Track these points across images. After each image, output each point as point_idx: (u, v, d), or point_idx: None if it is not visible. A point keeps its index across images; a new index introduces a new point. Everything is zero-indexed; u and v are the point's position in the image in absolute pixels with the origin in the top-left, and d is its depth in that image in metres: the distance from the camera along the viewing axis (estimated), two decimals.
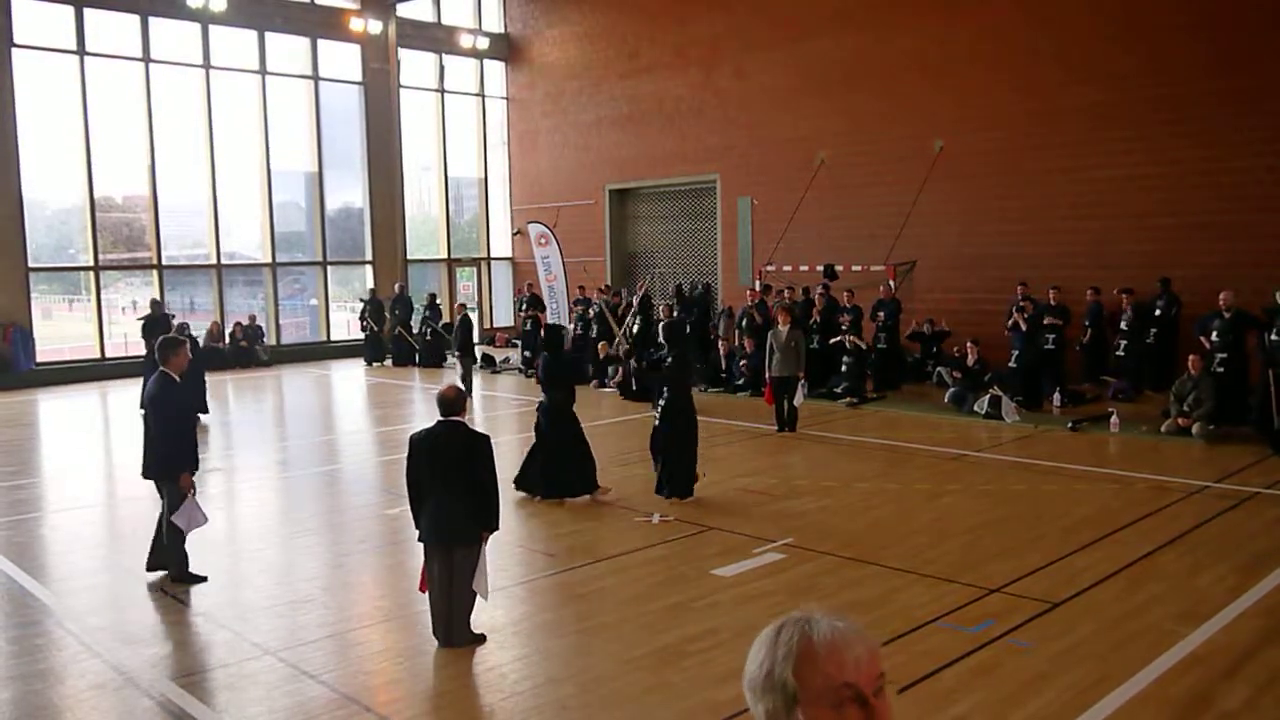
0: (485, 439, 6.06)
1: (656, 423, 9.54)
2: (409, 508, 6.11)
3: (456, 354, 17.93)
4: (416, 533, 6.08)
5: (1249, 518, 8.56)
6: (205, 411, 14.74)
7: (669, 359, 9.74)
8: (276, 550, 8.44)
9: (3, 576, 7.57)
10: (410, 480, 6.06)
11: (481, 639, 6.01)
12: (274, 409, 17.36)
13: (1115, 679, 5.30)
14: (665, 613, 6.52)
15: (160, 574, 7.34)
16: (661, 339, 10.57)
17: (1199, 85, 14.86)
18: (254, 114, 22.24)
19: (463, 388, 9.38)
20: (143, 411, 7.52)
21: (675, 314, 17.70)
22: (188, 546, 7.26)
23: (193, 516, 7.16)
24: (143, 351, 15.21)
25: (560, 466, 9.38)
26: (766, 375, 12.98)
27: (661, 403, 9.49)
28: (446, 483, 5.88)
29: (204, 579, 7.23)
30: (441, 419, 6.05)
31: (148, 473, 7.52)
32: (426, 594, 6.05)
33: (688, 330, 12.95)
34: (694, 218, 22.89)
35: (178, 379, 7.21)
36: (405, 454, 6.10)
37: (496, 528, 6.08)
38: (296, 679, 5.59)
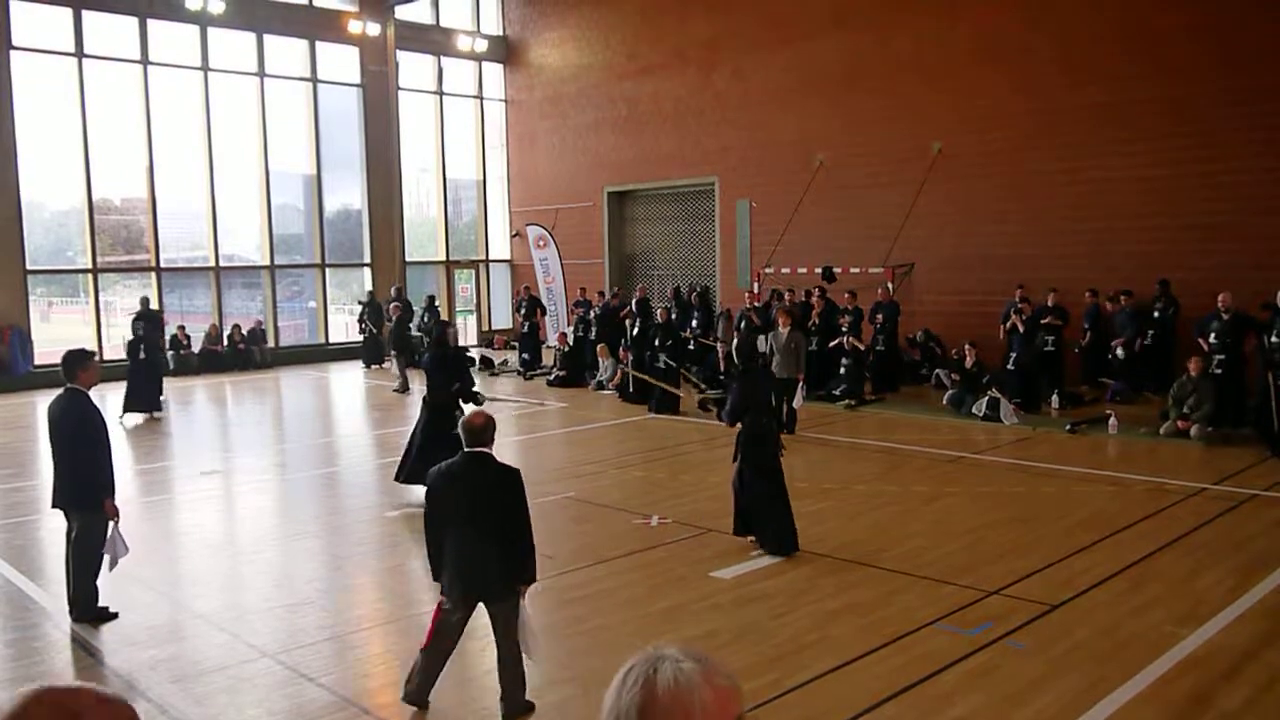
0: (516, 474, 5.09)
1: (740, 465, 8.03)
2: (426, 554, 5.18)
3: (392, 353, 17.88)
4: (437, 584, 5.20)
5: (1248, 520, 8.56)
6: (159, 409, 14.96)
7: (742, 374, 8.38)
8: (275, 553, 8.43)
9: (1, 579, 7.56)
10: (429, 524, 5.11)
11: (531, 707, 5.15)
12: (273, 411, 17.34)
13: (1114, 680, 5.31)
14: (664, 615, 6.52)
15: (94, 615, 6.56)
16: (736, 358, 9.02)
17: (1199, 86, 14.86)
18: (252, 116, 22.23)
19: (476, 402, 9.46)
20: (51, 434, 6.56)
21: (671, 316, 17.70)
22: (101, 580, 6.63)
23: (118, 548, 6.56)
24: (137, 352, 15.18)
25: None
26: None
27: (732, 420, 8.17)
28: (474, 527, 4.96)
29: (114, 616, 6.56)
30: (466, 450, 5.07)
31: (60, 501, 6.57)
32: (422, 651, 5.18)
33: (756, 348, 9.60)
34: (692, 220, 22.88)
35: (88, 394, 6.58)
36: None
37: (534, 579, 5.24)
38: (295, 681, 5.58)
